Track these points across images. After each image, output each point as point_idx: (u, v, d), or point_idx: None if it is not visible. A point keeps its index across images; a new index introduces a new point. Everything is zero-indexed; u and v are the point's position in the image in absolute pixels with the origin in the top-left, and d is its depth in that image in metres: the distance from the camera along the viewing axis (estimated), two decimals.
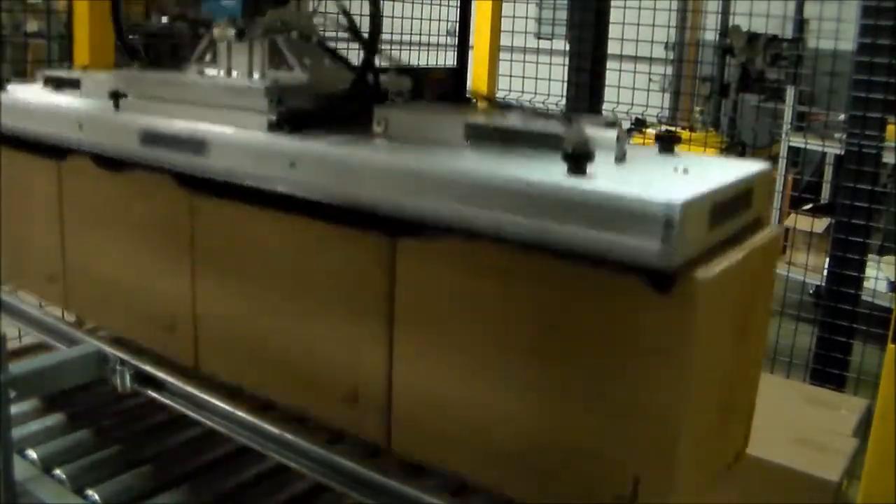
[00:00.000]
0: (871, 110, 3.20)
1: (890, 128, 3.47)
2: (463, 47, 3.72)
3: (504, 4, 3.65)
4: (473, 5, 3.66)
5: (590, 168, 0.97)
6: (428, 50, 3.62)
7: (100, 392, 1.71)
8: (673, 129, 6.84)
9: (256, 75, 1.38)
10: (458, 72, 3.70)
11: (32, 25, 7.19)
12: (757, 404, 1.21)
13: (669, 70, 7.43)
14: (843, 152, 3.68)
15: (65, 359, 1.44)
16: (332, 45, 1.64)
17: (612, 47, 3.34)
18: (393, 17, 3.61)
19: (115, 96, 1.44)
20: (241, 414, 1.28)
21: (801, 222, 4.88)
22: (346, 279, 1.18)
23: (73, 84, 1.65)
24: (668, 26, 5.30)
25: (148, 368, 1.40)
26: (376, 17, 1.49)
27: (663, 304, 0.90)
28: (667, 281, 0.88)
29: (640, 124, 6.54)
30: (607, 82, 3.79)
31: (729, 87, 7.06)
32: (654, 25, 4.03)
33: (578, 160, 0.98)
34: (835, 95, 4.53)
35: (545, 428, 1.01)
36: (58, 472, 1.45)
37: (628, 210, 0.90)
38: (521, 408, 1.02)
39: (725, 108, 7.50)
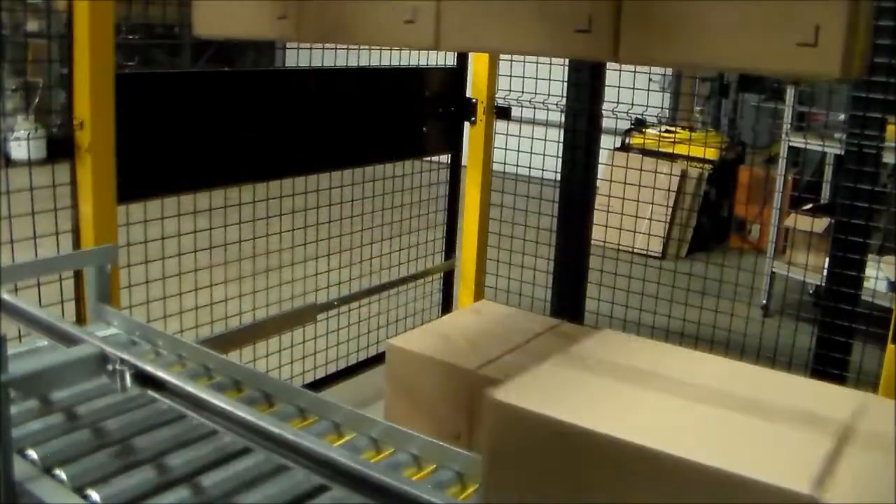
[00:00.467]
0: (871, 110, 3.20)
1: (890, 128, 3.47)
2: None
3: None
4: None
5: None
6: (428, 50, 3.62)
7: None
8: (673, 128, 6.84)
9: None
10: (458, 72, 3.71)
11: (32, 25, 7.19)
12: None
13: (669, 70, 7.43)
14: (843, 152, 3.68)
15: (65, 359, 1.44)
16: None
17: None
18: None
19: None
20: (241, 414, 1.28)
21: (801, 222, 4.88)
22: None
23: None
24: None
25: (148, 368, 1.40)
26: None
27: None
28: None
29: (640, 124, 6.56)
30: (607, 82, 3.79)
31: (729, 87, 7.07)
32: None
33: None
34: (835, 95, 4.54)
35: None
36: (58, 472, 1.45)
37: None
38: None
39: (725, 108, 7.51)
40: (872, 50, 3.17)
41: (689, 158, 6.55)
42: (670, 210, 6.56)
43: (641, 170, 4.55)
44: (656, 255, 6.09)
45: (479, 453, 1.17)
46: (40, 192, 2.32)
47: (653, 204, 4.71)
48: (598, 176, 3.96)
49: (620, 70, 3.86)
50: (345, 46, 3.39)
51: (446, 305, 3.92)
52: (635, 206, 4.06)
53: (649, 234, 5.70)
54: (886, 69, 3.14)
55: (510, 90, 3.87)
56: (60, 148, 2.31)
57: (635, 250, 5.31)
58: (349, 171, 3.36)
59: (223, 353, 1.97)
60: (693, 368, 1.27)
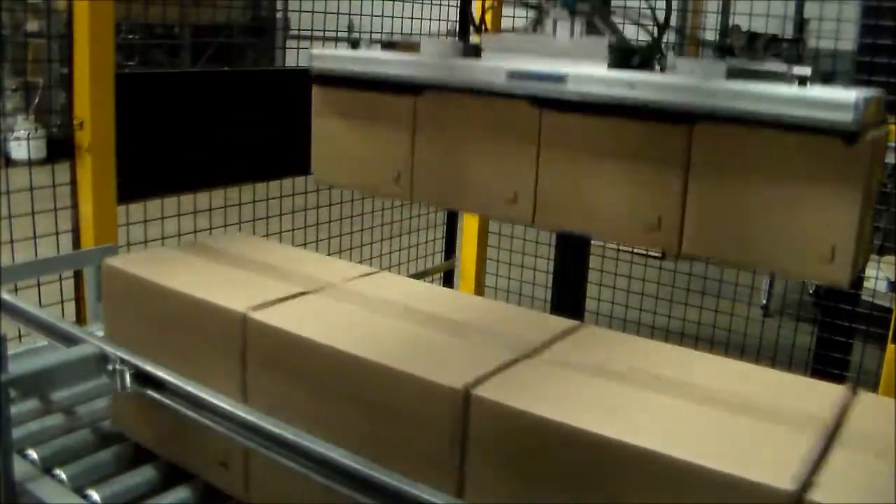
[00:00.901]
0: None
1: (890, 128, 3.47)
2: None
3: (504, 4, 3.65)
4: (473, 5, 3.67)
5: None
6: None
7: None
8: None
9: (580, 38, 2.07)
10: None
11: (32, 25, 7.20)
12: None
13: None
14: None
15: (65, 359, 1.43)
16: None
17: None
18: (393, 16, 3.61)
19: (475, 50, 2.08)
20: (241, 414, 1.28)
21: None
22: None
23: (411, 47, 2.16)
24: (668, 26, 5.29)
25: (148, 368, 1.40)
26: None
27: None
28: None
29: None
30: None
31: None
32: (654, 25, 4.02)
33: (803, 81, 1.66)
34: None
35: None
36: (58, 472, 1.45)
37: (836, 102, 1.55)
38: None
39: None
40: (873, 49, 3.17)
41: None
42: None
43: None
44: (656, 255, 6.08)
45: None
46: (40, 192, 2.32)
47: None
48: None
49: None
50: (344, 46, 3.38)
51: None
52: None
53: None
54: (886, 69, 3.14)
55: None
56: (60, 148, 2.31)
57: (635, 250, 5.31)
58: None
59: None
60: (668, 363, 1.30)
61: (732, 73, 1.74)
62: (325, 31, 3.34)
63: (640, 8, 2.25)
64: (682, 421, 1.06)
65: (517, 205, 2.00)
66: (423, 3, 3.64)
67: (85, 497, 1.40)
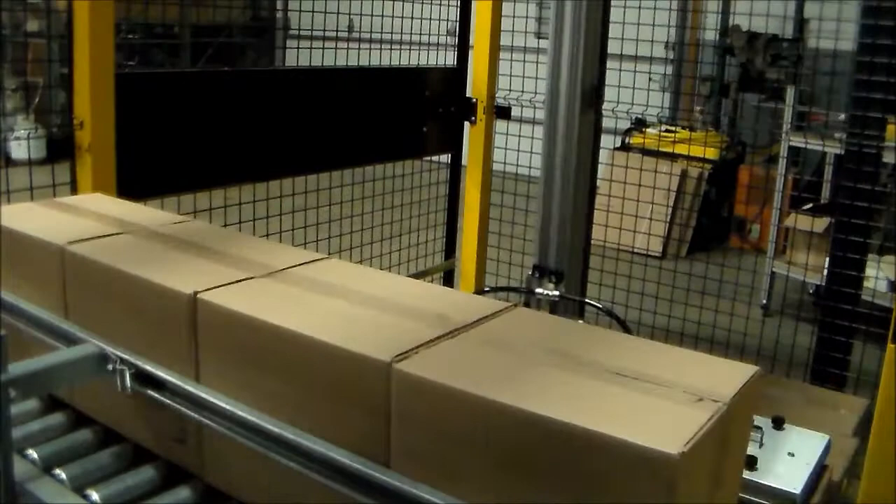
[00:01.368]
0: (871, 110, 3.21)
1: (890, 128, 3.47)
2: (463, 47, 3.73)
3: (504, 4, 3.65)
4: (473, 5, 3.67)
5: None
6: (428, 50, 3.63)
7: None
8: (673, 128, 6.84)
9: None
10: (458, 72, 3.71)
11: (32, 25, 7.20)
12: (758, 403, 1.22)
13: (669, 70, 7.44)
14: (843, 152, 3.68)
15: (65, 359, 1.44)
16: None
17: (612, 47, 3.35)
18: (393, 16, 3.61)
19: None
20: (241, 414, 1.28)
21: (801, 222, 4.88)
22: None
23: None
24: (668, 26, 5.31)
25: (148, 368, 1.40)
26: None
27: None
28: None
29: (640, 124, 6.56)
30: (607, 82, 3.79)
31: (729, 86, 7.06)
32: (654, 25, 4.03)
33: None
34: (835, 95, 4.54)
35: None
36: (58, 472, 1.45)
37: None
38: None
39: (726, 108, 7.51)
40: (873, 49, 3.17)
41: (689, 158, 6.55)
42: (670, 210, 6.56)
43: (641, 169, 4.55)
44: (656, 254, 6.09)
45: None
46: (40, 192, 2.32)
47: (653, 204, 4.72)
48: (598, 176, 3.96)
49: (620, 70, 3.87)
50: (344, 46, 3.39)
51: None
52: (635, 206, 4.06)
53: (649, 234, 5.71)
54: (886, 69, 3.15)
55: (510, 90, 3.87)
56: (60, 148, 2.31)
57: (635, 250, 5.32)
58: (349, 171, 3.36)
59: None
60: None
61: None
62: (325, 31, 3.34)
63: None
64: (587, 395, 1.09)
65: None
66: (423, 3, 3.65)
67: (85, 497, 1.39)
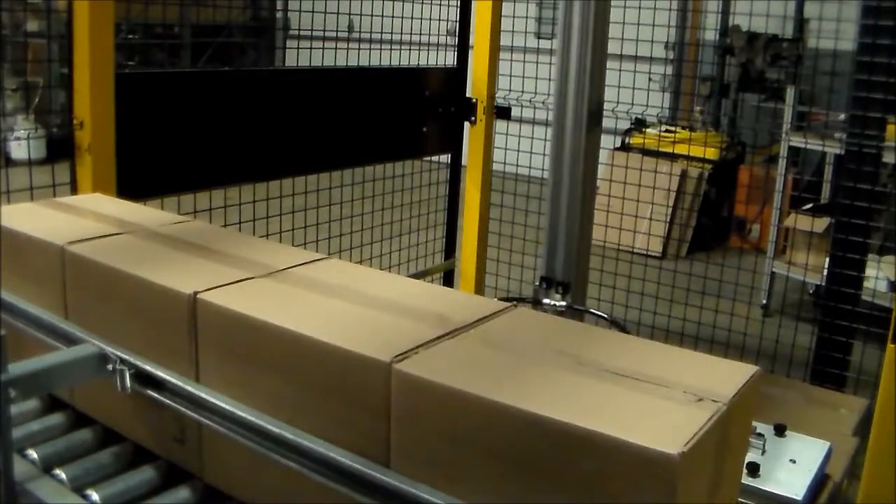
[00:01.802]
0: (871, 110, 3.21)
1: (890, 128, 3.47)
2: (463, 47, 3.73)
3: (504, 4, 3.65)
4: (473, 5, 3.67)
5: None
6: (428, 50, 3.63)
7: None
8: (673, 128, 6.84)
9: None
10: (458, 72, 3.71)
11: (32, 25, 7.20)
12: (758, 403, 1.22)
13: (669, 70, 7.44)
14: (843, 152, 3.68)
15: (65, 359, 1.44)
16: None
17: (612, 47, 3.35)
18: (393, 16, 3.61)
19: None
20: (241, 414, 1.28)
21: (801, 222, 4.88)
22: None
23: None
24: (668, 26, 5.31)
25: (148, 368, 1.40)
26: None
27: None
28: None
29: (640, 124, 6.56)
30: (607, 82, 3.79)
31: (729, 86, 7.06)
32: (654, 25, 4.03)
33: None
34: (835, 95, 4.54)
35: None
36: (58, 472, 1.45)
37: None
38: None
39: (725, 108, 7.51)
40: (873, 49, 3.17)
41: (689, 158, 6.55)
42: (670, 210, 6.56)
43: (641, 169, 4.56)
44: (656, 254, 6.09)
45: None
46: (40, 192, 2.32)
47: (653, 204, 4.72)
48: (599, 176, 3.96)
49: (620, 70, 3.87)
50: (344, 46, 3.39)
51: None
52: (635, 206, 4.06)
53: (649, 234, 5.71)
54: (886, 69, 3.15)
55: (510, 90, 3.87)
56: (60, 148, 2.31)
57: (635, 250, 5.32)
58: (349, 171, 3.36)
59: None
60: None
61: None
62: (325, 31, 3.34)
63: None
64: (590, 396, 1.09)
65: None
66: (423, 3, 3.65)
67: (85, 497, 1.39)
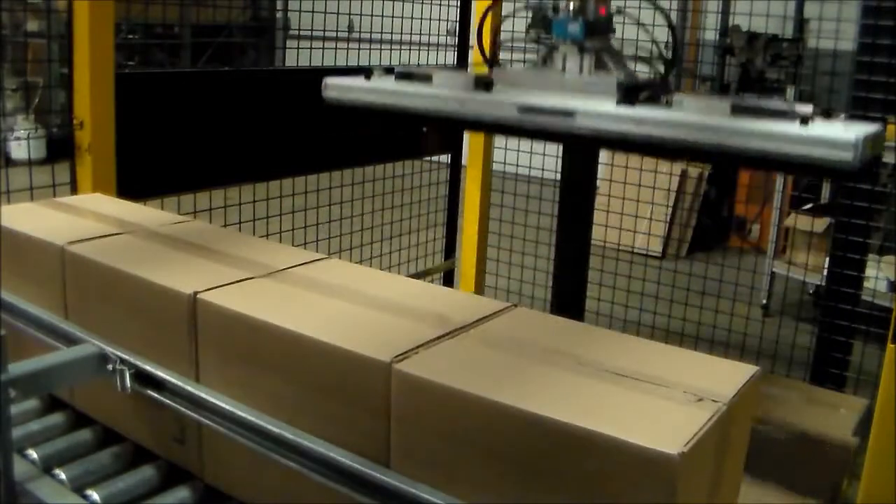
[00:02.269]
0: (871, 110, 3.20)
1: (890, 128, 3.47)
2: (463, 47, 3.73)
3: (504, 4, 3.65)
4: (473, 5, 3.67)
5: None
6: (428, 50, 3.63)
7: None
8: None
9: (592, 74, 2.20)
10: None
11: (32, 25, 7.20)
12: (758, 403, 1.22)
13: None
14: None
15: (65, 359, 1.44)
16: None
17: None
18: (393, 16, 3.61)
19: (487, 84, 2.13)
20: (241, 413, 1.28)
21: (801, 222, 4.88)
22: None
23: (424, 78, 2.22)
24: (668, 26, 5.30)
25: (148, 368, 1.40)
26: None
27: None
28: None
29: None
30: None
31: (729, 87, 7.06)
32: (654, 25, 4.02)
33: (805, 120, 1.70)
34: (835, 95, 4.54)
35: None
36: (58, 472, 1.45)
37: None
38: None
39: None
40: (873, 49, 3.17)
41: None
42: (670, 210, 6.56)
43: (641, 169, 4.55)
44: (656, 254, 6.09)
45: None
46: (40, 192, 2.32)
47: (653, 204, 4.72)
48: (598, 176, 3.96)
49: None
50: (344, 46, 3.39)
51: None
52: (635, 206, 4.06)
53: (649, 234, 5.71)
54: (886, 69, 3.14)
55: None
56: (60, 148, 2.31)
57: (635, 250, 5.32)
58: (349, 171, 3.36)
59: None
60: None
61: (736, 110, 1.81)
62: (325, 31, 3.34)
63: (646, 43, 2.41)
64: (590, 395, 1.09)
65: None
66: (423, 3, 3.65)
67: (85, 497, 1.40)
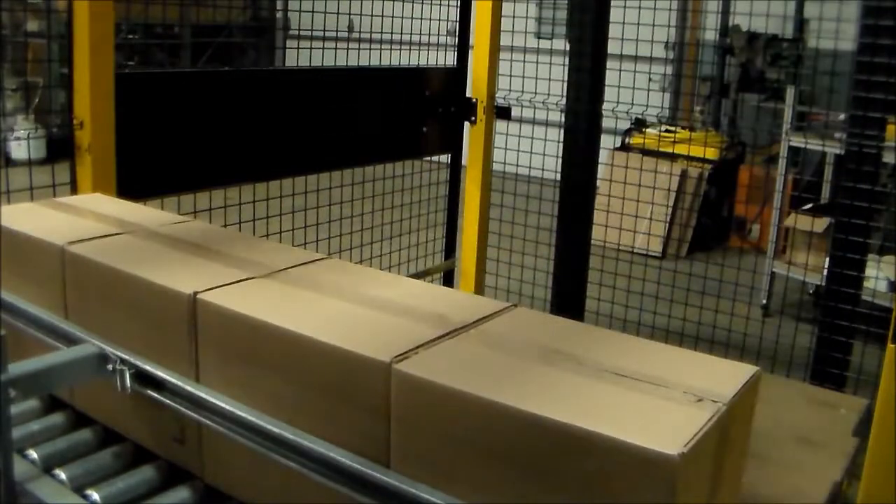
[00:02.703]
0: (871, 110, 3.20)
1: (890, 128, 3.47)
2: (463, 47, 3.73)
3: (504, 4, 3.65)
4: (473, 5, 3.67)
5: None
6: (428, 50, 3.63)
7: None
8: (673, 128, 6.84)
9: None
10: (458, 72, 3.71)
11: (32, 25, 7.20)
12: (757, 403, 1.22)
13: (669, 70, 7.44)
14: (843, 152, 3.68)
15: (65, 359, 1.44)
16: None
17: (612, 47, 3.35)
18: (393, 16, 3.61)
19: None
20: (241, 414, 1.28)
21: (801, 222, 4.88)
22: None
23: None
24: (669, 26, 5.31)
25: (148, 368, 1.40)
26: None
27: None
28: None
29: (640, 124, 6.56)
30: (607, 82, 3.79)
31: (729, 87, 7.07)
32: (654, 25, 4.03)
33: None
34: (835, 95, 4.54)
35: None
36: (58, 472, 1.45)
37: None
38: None
39: (725, 108, 7.51)
40: (873, 49, 3.17)
41: (689, 158, 6.55)
42: (670, 210, 6.56)
43: (641, 169, 4.56)
44: (656, 254, 6.09)
45: None
46: (40, 192, 2.32)
47: (653, 204, 4.72)
48: (598, 176, 3.96)
49: (620, 70, 3.87)
50: (344, 46, 3.39)
51: None
52: (635, 206, 4.06)
53: (649, 234, 5.71)
54: (886, 69, 3.14)
55: (510, 90, 3.87)
56: (60, 148, 2.31)
57: (635, 250, 5.32)
58: (349, 171, 3.36)
59: None
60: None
61: None
62: (325, 31, 3.34)
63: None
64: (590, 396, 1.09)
65: None
66: (423, 3, 3.65)
67: (85, 497, 1.40)
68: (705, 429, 0.99)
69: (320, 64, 3.42)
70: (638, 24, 3.94)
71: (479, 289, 3.76)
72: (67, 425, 1.63)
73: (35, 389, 1.50)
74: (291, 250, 1.72)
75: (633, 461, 0.95)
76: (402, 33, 3.56)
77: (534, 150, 4.00)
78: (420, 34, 3.57)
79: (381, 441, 1.17)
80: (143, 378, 1.41)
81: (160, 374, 1.38)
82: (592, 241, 3.94)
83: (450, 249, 3.94)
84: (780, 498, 2.04)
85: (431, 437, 1.12)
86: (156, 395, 1.39)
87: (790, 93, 5.14)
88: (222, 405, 1.31)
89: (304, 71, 3.33)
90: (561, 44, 4.56)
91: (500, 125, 3.76)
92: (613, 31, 3.90)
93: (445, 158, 3.83)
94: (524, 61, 4.03)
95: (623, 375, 1.13)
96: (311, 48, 3.66)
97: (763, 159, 6.80)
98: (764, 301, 5.10)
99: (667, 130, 6.70)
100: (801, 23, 6.26)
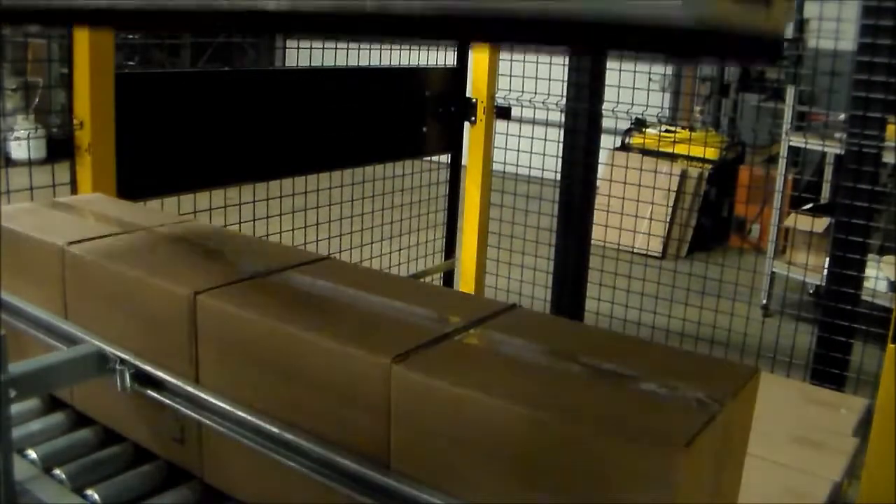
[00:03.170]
0: (871, 110, 3.21)
1: (890, 128, 3.47)
2: (463, 47, 3.73)
3: None
4: None
5: None
6: (428, 50, 3.63)
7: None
8: (673, 128, 6.84)
9: None
10: (458, 72, 3.71)
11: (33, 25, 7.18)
12: (757, 403, 1.22)
13: (669, 70, 7.44)
14: (843, 152, 3.68)
15: (65, 359, 1.44)
16: None
17: None
18: None
19: None
20: (241, 414, 1.28)
21: (801, 222, 4.88)
22: None
23: None
24: None
25: (148, 368, 1.40)
26: None
27: None
28: None
29: (639, 124, 6.56)
30: (607, 82, 3.80)
31: (729, 86, 7.07)
32: None
33: None
34: (835, 95, 4.54)
35: None
36: (58, 472, 1.45)
37: None
38: None
39: (725, 108, 7.51)
40: (873, 49, 3.17)
41: (689, 158, 6.55)
42: (670, 210, 6.56)
43: (641, 169, 4.56)
44: (656, 254, 6.09)
45: None
46: (40, 192, 2.32)
47: (653, 204, 4.71)
48: (598, 176, 3.96)
49: (620, 70, 3.87)
50: (344, 46, 3.39)
51: None
52: (635, 206, 4.06)
53: (649, 234, 5.71)
54: (886, 69, 3.15)
55: (510, 90, 3.87)
56: (60, 148, 2.31)
57: (635, 250, 5.32)
58: (349, 171, 3.36)
59: None
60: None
61: None
62: None
63: None
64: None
65: None
66: None
67: (85, 497, 1.40)
68: (705, 429, 0.99)
69: (320, 64, 3.42)
70: None
71: (479, 289, 3.76)
72: (67, 425, 1.63)
73: (35, 389, 1.50)
74: (291, 250, 1.72)
75: (634, 461, 0.95)
76: None
77: (534, 150, 4.00)
78: None
79: (381, 441, 1.17)
80: (142, 378, 1.41)
81: (160, 373, 1.38)
82: (592, 241, 3.95)
83: (450, 249, 3.94)
84: (779, 498, 2.04)
85: (431, 437, 1.12)
86: (155, 394, 1.39)
87: (790, 93, 5.14)
88: (222, 405, 1.31)
89: (304, 71, 3.33)
90: None
91: (500, 125, 3.76)
92: None
93: (445, 158, 3.83)
94: (524, 61, 4.03)
95: (623, 375, 1.13)
96: (311, 48, 3.66)
97: (763, 159, 6.80)
98: (764, 301, 5.10)
99: (667, 130, 6.70)
100: (801, 23, 6.26)
